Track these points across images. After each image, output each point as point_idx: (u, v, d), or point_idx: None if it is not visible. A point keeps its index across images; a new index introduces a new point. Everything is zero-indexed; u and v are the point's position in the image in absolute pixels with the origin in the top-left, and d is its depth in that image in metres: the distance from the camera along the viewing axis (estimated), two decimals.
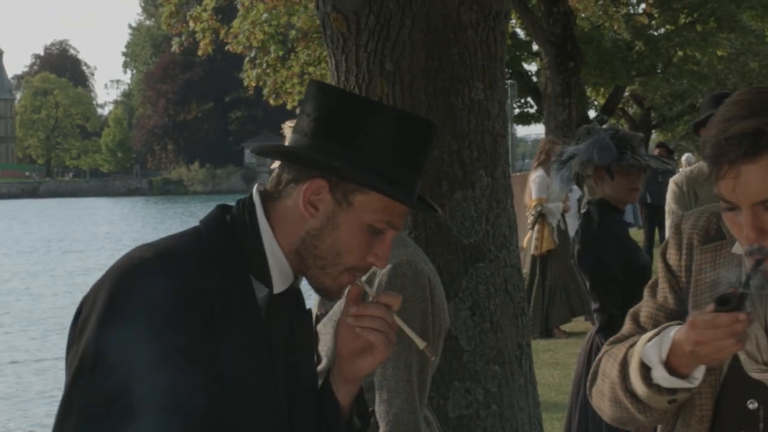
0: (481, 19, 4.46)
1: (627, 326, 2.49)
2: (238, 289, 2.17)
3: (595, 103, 32.00)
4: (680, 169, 17.92)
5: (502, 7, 4.56)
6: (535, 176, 12.11)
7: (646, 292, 2.51)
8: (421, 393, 3.28)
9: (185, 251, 2.14)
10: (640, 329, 2.41)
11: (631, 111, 37.26)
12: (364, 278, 3.31)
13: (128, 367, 2.01)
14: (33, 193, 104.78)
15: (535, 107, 28.38)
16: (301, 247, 2.20)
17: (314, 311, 3.49)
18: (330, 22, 4.52)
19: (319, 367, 3.43)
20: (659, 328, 2.29)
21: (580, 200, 11.72)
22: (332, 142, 2.16)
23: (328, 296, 2.27)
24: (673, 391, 2.24)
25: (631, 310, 2.52)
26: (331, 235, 2.18)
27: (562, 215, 12.22)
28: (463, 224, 4.38)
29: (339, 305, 3.36)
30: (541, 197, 11.94)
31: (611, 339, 2.49)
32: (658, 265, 2.49)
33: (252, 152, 2.37)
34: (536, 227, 12.11)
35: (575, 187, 6.41)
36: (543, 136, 19.46)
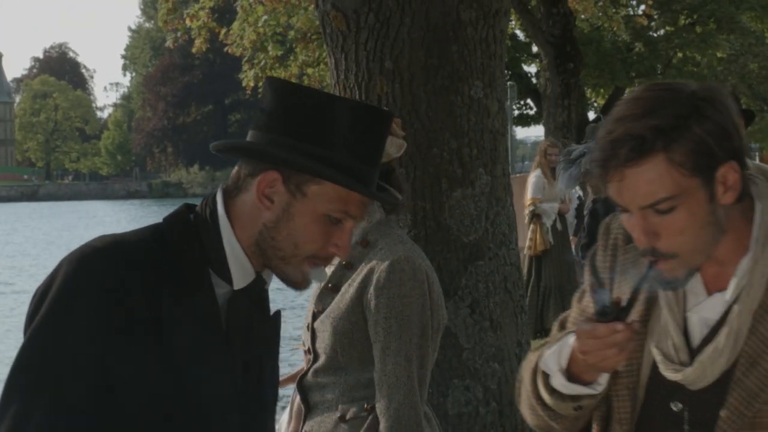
0: (480, 17, 4.46)
1: (553, 332, 2.47)
2: (193, 283, 2.18)
3: (595, 104, 31.97)
4: None
5: (502, 5, 4.56)
6: (532, 177, 12.12)
7: (574, 297, 2.49)
8: (422, 388, 3.28)
9: (139, 243, 2.17)
10: None
11: None
12: (359, 278, 3.31)
13: (63, 358, 2.05)
14: (32, 196, 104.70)
15: (535, 109, 28.39)
16: (259, 240, 2.21)
17: (311, 308, 3.49)
18: (329, 21, 4.52)
19: (317, 365, 3.43)
20: (561, 334, 2.30)
21: (578, 208, 11.74)
22: (286, 135, 2.19)
23: (293, 286, 2.27)
24: (576, 397, 2.24)
25: (561, 316, 2.50)
26: (287, 227, 2.20)
27: (561, 216, 12.21)
28: (463, 222, 4.38)
29: (336, 303, 3.36)
30: (536, 197, 11.94)
31: (536, 345, 2.47)
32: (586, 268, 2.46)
33: (212, 149, 2.39)
34: (531, 227, 12.11)
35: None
36: (543, 137, 19.45)
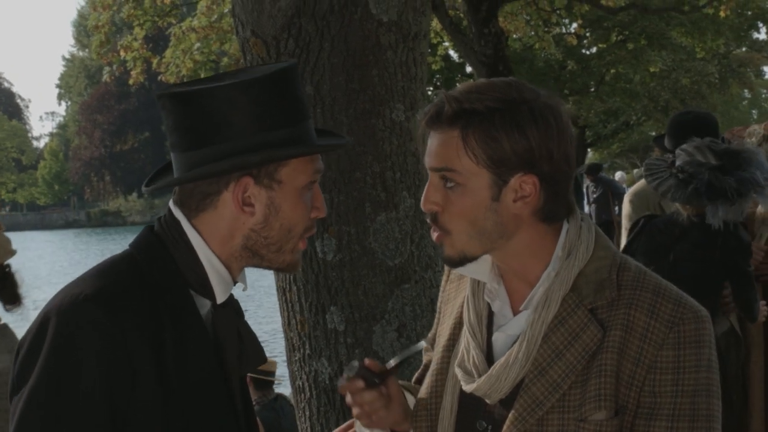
0: (400, 41, 4.45)
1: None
2: (184, 313, 2.15)
3: None
4: (626, 187, 18.06)
5: (421, 28, 4.56)
6: None
7: (435, 321, 2.65)
8: None
9: (126, 283, 2.11)
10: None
11: None
12: None
13: (73, 416, 1.98)
14: None
15: None
16: (248, 244, 2.22)
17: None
18: (249, 47, 4.50)
19: None
20: None
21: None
22: (223, 140, 2.15)
23: (288, 270, 2.30)
24: None
25: (430, 334, 2.64)
26: (277, 219, 2.21)
27: None
28: (388, 246, 4.36)
29: None
30: None
31: None
32: None
33: (159, 187, 2.30)
34: None
35: None
36: None
